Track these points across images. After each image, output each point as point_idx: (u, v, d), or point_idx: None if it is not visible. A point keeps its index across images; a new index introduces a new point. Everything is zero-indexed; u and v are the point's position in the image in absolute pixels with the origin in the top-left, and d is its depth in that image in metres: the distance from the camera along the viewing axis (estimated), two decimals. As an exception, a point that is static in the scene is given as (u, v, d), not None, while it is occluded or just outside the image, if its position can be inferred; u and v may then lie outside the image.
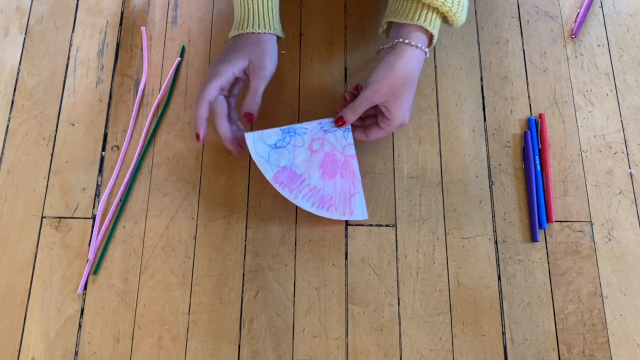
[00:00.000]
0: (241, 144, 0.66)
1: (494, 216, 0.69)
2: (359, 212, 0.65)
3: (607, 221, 0.69)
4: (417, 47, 0.61)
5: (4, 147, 0.72)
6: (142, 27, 0.77)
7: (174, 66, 0.75)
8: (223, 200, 0.69)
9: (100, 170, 0.71)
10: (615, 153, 0.72)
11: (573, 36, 0.77)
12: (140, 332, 0.64)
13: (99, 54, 0.76)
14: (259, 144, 0.64)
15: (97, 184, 0.70)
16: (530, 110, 0.74)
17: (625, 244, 0.68)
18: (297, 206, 0.68)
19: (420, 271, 0.67)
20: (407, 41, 0.61)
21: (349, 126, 0.66)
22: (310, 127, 0.66)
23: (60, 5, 0.79)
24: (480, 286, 0.66)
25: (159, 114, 0.73)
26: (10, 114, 0.73)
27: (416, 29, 0.62)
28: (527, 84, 0.75)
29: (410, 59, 0.61)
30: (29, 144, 0.72)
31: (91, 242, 0.67)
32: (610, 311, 0.66)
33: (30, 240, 0.68)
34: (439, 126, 0.73)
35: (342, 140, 0.66)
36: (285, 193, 0.64)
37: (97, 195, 0.70)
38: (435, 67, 0.76)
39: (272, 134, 0.65)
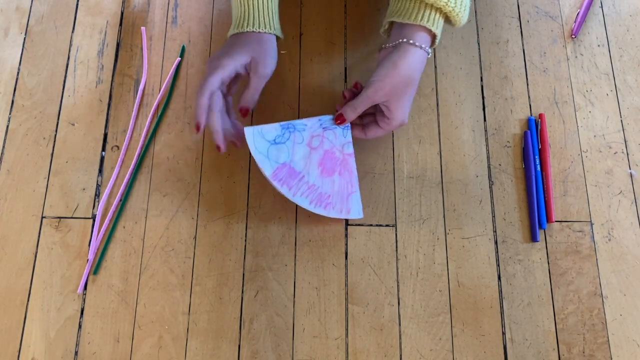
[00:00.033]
0: (234, 141, 0.65)
1: (494, 216, 0.69)
2: (355, 211, 0.65)
3: (607, 221, 0.69)
4: (420, 47, 0.61)
5: (4, 147, 0.72)
6: (142, 27, 0.77)
7: (174, 66, 0.75)
8: (223, 200, 0.69)
9: (100, 170, 0.71)
10: (615, 153, 0.72)
11: (573, 36, 0.77)
12: (140, 332, 0.64)
13: (99, 54, 0.76)
14: (259, 139, 0.64)
15: (97, 184, 0.70)
16: (530, 110, 0.74)
17: (625, 244, 0.68)
18: (297, 206, 0.68)
19: (420, 271, 0.67)
20: (411, 41, 0.61)
21: (348, 124, 0.66)
22: (310, 124, 0.66)
23: (60, 5, 0.79)
24: (480, 286, 0.66)
25: (159, 114, 0.73)
26: (10, 114, 0.73)
27: (419, 29, 0.62)
28: (527, 84, 0.75)
29: (413, 59, 0.61)
30: (29, 144, 0.72)
31: (91, 242, 0.67)
32: (610, 311, 0.66)
33: (30, 240, 0.68)
34: (439, 126, 0.73)
35: (341, 138, 0.66)
36: (283, 190, 0.64)
37: (97, 195, 0.70)
38: (435, 67, 0.76)
39: (271, 129, 0.64)
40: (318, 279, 0.66)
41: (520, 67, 0.76)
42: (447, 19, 0.64)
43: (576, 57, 0.77)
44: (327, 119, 0.66)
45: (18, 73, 0.75)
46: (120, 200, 0.69)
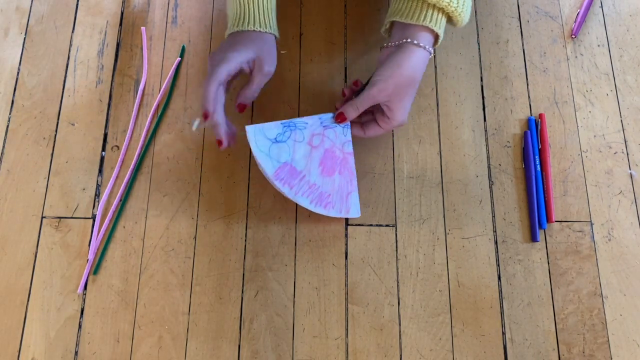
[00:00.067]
0: (229, 140, 0.65)
1: (494, 216, 0.69)
2: (354, 210, 0.65)
3: (607, 221, 0.69)
4: (424, 48, 0.61)
5: (4, 147, 0.72)
6: (142, 27, 0.77)
7: (174, 66, 0.75)
8: (223, 200, 0.69)
9: (100, 170, 0.71)
10: (615, 153, 0.72)
11: (573, 36, 0.77)
12: (140, 332, 0.64)
13: (99, 54, 0.76)
14: (260, 137, 0.64)
15: (97, 184, 0.70)
16: (530, 110, 0.74)
17: (625, 244, 0.68)
18: (297, 206, 0.68)
19: (420, 271, 0.67)
20: (415, 42, 0.61)
21: (348, 123, 0.66)
22: (311, 122, 0.66)
23: (60, 5, 0.79)
24: (480, 286, 0.66)
25: (159, 114, 0.73)
26: (10, 114, 0.73)
27: (422, 29, 0.62)
28: (527, 84, 0.75)
29: (417, 60, 0.61)
30: (29, 144, 0.72)
31: (91, 242, 0.67)
32: (610, 311, 0.66)
33: (30, 240, 0.68)
34: (439, 126, 0.73)
35: (341, 137, 0.66)
36: (285, 189, 0.63)
37: (97, 195, 0.70)
38: (435, 67, 0.76)
39: (272, 127, 0.64)
40: (318, 279, 0.66)
41: (520, 67, 0.76)
42: (449, 19, 0.64)
43: (576, 57, 0.77)
44: (327, 117, 0.66)
45: (18, 73, 0.75)
46: (120, 200, 0.69)
